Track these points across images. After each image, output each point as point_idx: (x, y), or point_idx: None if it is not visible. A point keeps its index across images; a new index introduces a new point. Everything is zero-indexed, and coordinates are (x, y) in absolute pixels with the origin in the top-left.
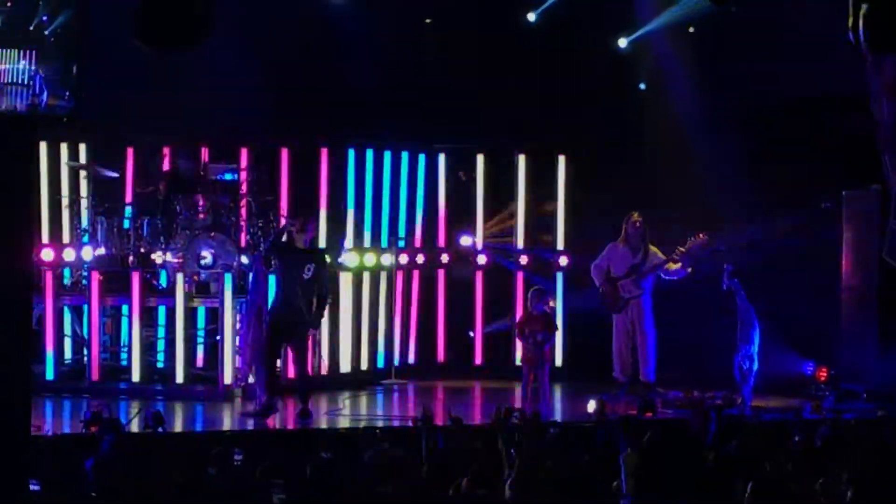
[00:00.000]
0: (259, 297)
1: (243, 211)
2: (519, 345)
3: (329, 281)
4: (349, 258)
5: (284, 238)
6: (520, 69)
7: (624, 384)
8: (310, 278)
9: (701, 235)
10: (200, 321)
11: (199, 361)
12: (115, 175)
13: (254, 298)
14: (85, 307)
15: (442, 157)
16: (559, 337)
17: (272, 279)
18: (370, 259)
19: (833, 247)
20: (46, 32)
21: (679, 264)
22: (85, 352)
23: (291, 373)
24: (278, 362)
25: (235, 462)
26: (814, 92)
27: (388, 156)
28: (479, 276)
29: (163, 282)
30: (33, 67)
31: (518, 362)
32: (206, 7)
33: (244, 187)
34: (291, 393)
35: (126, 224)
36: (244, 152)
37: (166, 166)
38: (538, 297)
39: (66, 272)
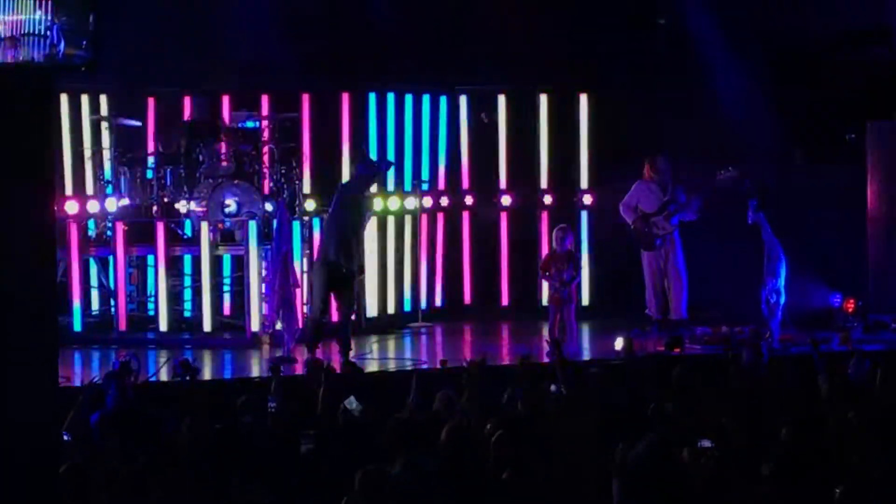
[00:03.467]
0: (284, 243)
1: (266, 158)
2: (545, 285)
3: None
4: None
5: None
6: (538, 10)
7: (657, 321)
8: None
9: (730, 169)
10: (226, 269)
11: (226, 309)
12: (138, 124)
13: (279, 245)
14: (111, 258)
15: (463, 100)
16: (585, 275)
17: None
18: (394, 203)
19: (858, 178)
20: None
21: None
22: (112, 303)
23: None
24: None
25: (270, 409)
26: (837, 24)
27: (409, 99)
28: (503, 217)
29: (187, 231)
30: (49, 18)
31: (544, 302)
32: None
33: (266, 134)
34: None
35: (149, 174)
36: (265, 99)
37: (186, 117)
38: (562, 236)
39: (91, 224)
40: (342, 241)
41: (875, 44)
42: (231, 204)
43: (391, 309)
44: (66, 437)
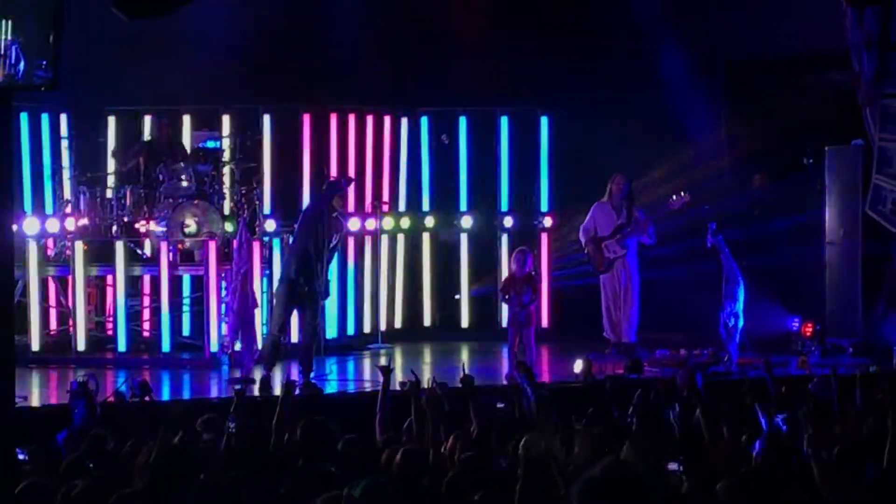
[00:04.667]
0: (244, 263)
1: (226, 178)
2: (504, 307)
3: None
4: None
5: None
6: (500, 31)
7: (614, 344)
8: (334, 246)
9: (683, 194)
10: (186, 289)
11: (185, 330)
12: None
13: (238, 265)
14: (69, 277)
15: (425, 120)
16: (545, 298)
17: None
18: (354, 224)
19: (816, 202)
20: (23, 1)
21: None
22: (70, 322)
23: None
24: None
25: (229, 429)
26: (795, 48)
27: (370, 120)
28: (463, 238)
29: (147, 251)
30: (10, 37)
31: (504, 324)
32: None
33: (226, 154)
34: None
35: (109, 194)
36: (226, 119)
37: (144, 137)
38: (522, 258)
39: (50, 243)
40: (303, 260)
41: (834, 68)
42: (191, 224)
43: (351, 330)
44: (21, 457)
